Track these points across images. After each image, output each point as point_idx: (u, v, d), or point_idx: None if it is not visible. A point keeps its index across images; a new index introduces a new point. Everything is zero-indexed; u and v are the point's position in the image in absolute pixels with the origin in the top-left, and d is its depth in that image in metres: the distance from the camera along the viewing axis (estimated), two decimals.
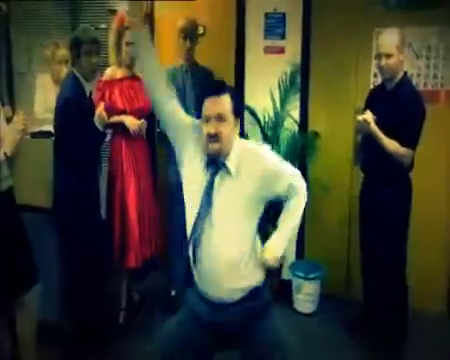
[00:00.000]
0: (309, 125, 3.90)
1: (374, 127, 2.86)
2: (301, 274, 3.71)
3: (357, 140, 3.17)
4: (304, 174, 3.84)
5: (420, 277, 3.51)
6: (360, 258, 3.32)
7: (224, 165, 2.04)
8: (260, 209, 2.12)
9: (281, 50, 3.88)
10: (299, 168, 3.79)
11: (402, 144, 2.83)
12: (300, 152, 3.78)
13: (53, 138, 3.08)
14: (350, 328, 3.43)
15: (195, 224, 2.03)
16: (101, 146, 3.25)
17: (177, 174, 3.65)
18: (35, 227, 2.97)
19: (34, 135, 3.26)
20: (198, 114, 3.58)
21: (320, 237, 3.95)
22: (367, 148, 3.05)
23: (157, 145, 4.29)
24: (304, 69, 3.84)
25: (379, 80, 3.33)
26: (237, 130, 2.09)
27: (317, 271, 3.72)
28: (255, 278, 2.12)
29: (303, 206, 2.16)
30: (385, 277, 3.04)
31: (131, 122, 3.37)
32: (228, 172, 2.04)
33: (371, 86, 3.56)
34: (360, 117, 2.91)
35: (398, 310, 3.08)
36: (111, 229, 3.39)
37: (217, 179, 2.04)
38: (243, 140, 2.18)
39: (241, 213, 2.04)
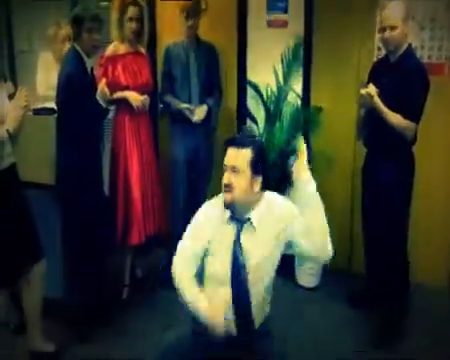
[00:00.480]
0: (312, 99, 3.87)
1: (377, 100, 2.83)
2: None
3: (360, 114, 3.15)
4: (308, 147, 3.87)
5: (422, 252, 3.52)
6: (362, 232, 3.33)
7: (249, 220, 2.09)
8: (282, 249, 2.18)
9: (284, 23, 3.84)
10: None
11: (405, 117, 2.81)
12: (303, 126, 3.76)
13: (56, 115, 3.07)
14: (352, 302, 3.46)
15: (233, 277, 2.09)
16: (103, 122, 3.26)
17: (179, 150, 3.72)
18: (39, 203, 3.00)
19: (37, 112, 3.26)
20: (201, 93, 3.62)
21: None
22: (370, 122, 3.03)
23: (160, 121, 4.29)
24: (307, 43, 3.80)
25: (383, 54, 3.29)
26: (256, 185, 2.09)
27: None
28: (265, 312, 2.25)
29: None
30: (387, 251, 3.05)
31: (134, 98, 3.36)
32: (252, 226, 2.09)
33: (375, 59, 3.52)
34: (363, 90, 2.88)
35: (400, 283, 3.10)
36: (114, 206, 3.41)
37: (243, 234, 2.10)
38: (272, 193, 2.20)
39: (268, 260, 2.11)
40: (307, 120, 3.78)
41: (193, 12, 3.57)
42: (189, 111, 3.58)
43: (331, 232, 3.86)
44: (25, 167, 2.84)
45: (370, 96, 2.84)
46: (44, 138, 3.16)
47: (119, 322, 3.30)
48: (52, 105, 3.15)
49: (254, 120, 3.95)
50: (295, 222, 2.11)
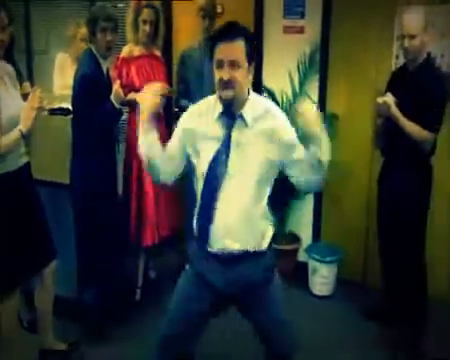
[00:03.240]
0: (328, 107, 3.84)
1: (395, 110, 2.80)
2: (317, 257, 3.68)
3: (377, 123, 3.11)
4: None
5: (439, 267, 3.45)
6: (378, 242, 3.28)
7: (241, 116, 1.98)
8: (273, 172, 2.05)
9: (301, 30, 3.82)
10: None
11: (423, 127, 2.77)
12: None
13: (71, 115, 3.08)
14: (366, 313, 3.41)
15: (211, 173, 1.97)
16: (118, 123, 3.25)
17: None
18: (53, 203, 3.02)
19: (53, 112, 3.27)
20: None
21: (338, 220, 3.92)
22: (387, 131, 2.99)
23: (174, 123, 4.27)
24: (324, 49, 3.77)
25: (401, 61, 3.25)
26: (250, 76, 2.00)
27: (334, 254, 3.70)
28: (261, 241, 2.07)
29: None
30: (403, 263, 3.01)
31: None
32: (245, 124, 1.98)
33: (393, 67, 3.48)
34: (380, 99, 2.85)
35: (417, 297, 3.05)
36: (128, 207, 3.40)
37: (234, 132, 1.98)
38: (256, 94, 2.09)
39: (257, 167, 1.98)
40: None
41: (208, 12, 3.57)
42: None
43: (345, 242, 3.86)
44: (40, 166, 2.85)
45: (387, 105, 2.81)
46: (59, 137, 3.17)
47: (131, 323, 3.30)
48: (68, 105, 3.16)
49: None
50: (292, 151, 1.99)
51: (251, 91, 2.04)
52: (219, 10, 3.89)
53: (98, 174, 2.99)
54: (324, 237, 3.99)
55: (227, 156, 1.96)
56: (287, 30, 3.86)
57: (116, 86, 2.99)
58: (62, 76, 3.89)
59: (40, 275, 2.73)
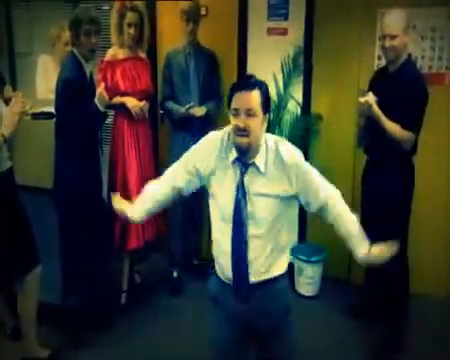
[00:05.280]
0: (312, 107, 3.87)
1: (376, 109, 2.83)
2: (303, 257, 3.71)
3: (360, 123, 3.14)
4: (306, 157, 3.87)
5: (421, 262, 3.50)
6: None
7: (254, 164, 2.04)
8: (292, 204, 2.15)
9: (284, 31, 3.83)
10: (302, 151, 3.84)
11: (404, 127, 2.80)
12: (303, 134, 3.75)
13: (54, 119, 3.06)
14: (351, 311, 3.44)
15: (236, 222, 2.05)
16: (102, 127, 3.24)
17: (178, 156, 3.71)
18: (36, 208, 3.00)
19: (35, 116, 3.25)
20: (201, 99, 3.61)
21: (322, 220, 3.92)
22: (370, 130, 3.02)
23: (160, 127, 4.28)
24: (307, 51, 3.79)
25: (383, 62, 3.28)
26: (265, 125, 2.07)
27: (319, 254, 3.72)
28: (278, 268, 2.14)
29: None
30: (386, 260, 3.03)
31: (133, 103, 3.35)
32: (258, 170, 2.04)
33: (375, 68, 3.51)
34: (362, 99, 2.87)
35: (399, 294, 3.08)
36: (112, 211, 3.39)
37: (246, 178, 2.05)
38: (272, 136, 2.16)
39: (271, 209, 2.05)
40: (307, 128, 3.77)
41: (192, 16, 3.57)
42: (190, 108, 3.58)
43: (330, 241, 3.86)
44: (23, 171, 2.84)
45: (369, 104, 2.83)
46: (42, 142, 3.15)
47: (117, 328, 3.28)
48: (51, 109, 3.14)
49: None
50: (306, 177, 2.07)
51: (267, 137, 2.11)
52: (203, 12, 3.89)
53: (82, 178, 2.97)
54: (309, 237, 4.01)
55: (245, 202, 2.03)
56: (271, 32, 3.88)
57: (100, 89, 2.98)
58: (45, 79, 3.84)
59: (23, 281, 2.70)
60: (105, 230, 3.30)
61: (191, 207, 3.76)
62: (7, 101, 2.61)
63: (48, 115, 3.20)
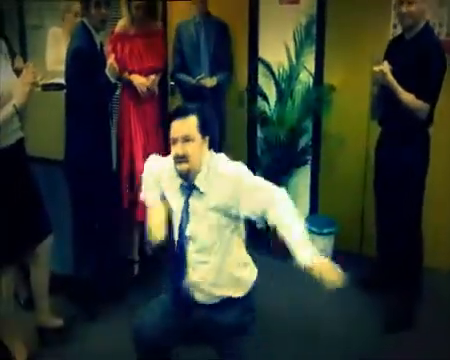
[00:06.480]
0: (325, 78, 3.80)
1: (391, 78, 2.76)
2: (314, 229, 3.68)
3: (374, 92, 3.08)
4: (319, 128, 3.84)
5: (435, 235, 3.46)
6: (375, 213, 3.28)
7: (194, 187, 2.09)
8: (237, 224, 2.14)
9: (296, 0, 3.75)
10: (314, 122, 3.83)
11: (419, 97, 2.74)
12: (315, 105, 3.71)
13: (65, 90, 3.05)
14: (363, 284, 3.41)
15: (178, 240, 2.17)
16: (112, 97, 3.21)
17: None
18: (48, 180, 3.01)
19: (46, 87, 3.23)
20: (212, 70, 3.57)
21: (335, 192, 3.91)
22: (384, 101, 2.96)
23: (170, 98, 4.27)
24: (320, 20, 3.72)
25: (398, 31, 3.20)
26: (205, 148, 2.11)
27: (331, 226, 3.70)
28: (236, 289, 2.17)
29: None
30: (400, 233, 3.01)
31: (139, 82, 3.30)
32: (199, 192, 2.09)
33: (390, 37, 3.42)
34: (376, 68, 2.81)
35: (412, 267, 3.05)
36: (121, 183, 3.39)
37: (191, 199, 2.11)
38: (215, 156, 2.17)
39: (216, 229, 2.09)
40: (319, 99, 3.72)
41: None
42: (201, 79, 3.53)
43: (342, 213, 3.85)
44: (34, 142, 2.83)
45: (383, 73, 2.77)
46: (53, 113, 3.14)
47: (129, 299, 3.30)
48: (61, 80, 3.12)
49: (265, 98, 3.89)
50: (252, 197, 2.02)
51: (211, 157, 2.14)
52: None
53: (92, 149, 2.97)
54: (321, 209, 3.99)
55: (187, 223, 2.12)
56: (283, 0, 3.80)
57: (111, 60, 2.95)
58: (55, 51, 3.82)
59: (35, 251, 2.72)
60: (116, 201, 3.31)
61: None
62: (18, 72, 2.60)
63: (59, 86, 3.18)
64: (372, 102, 3.19)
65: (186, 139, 2.03)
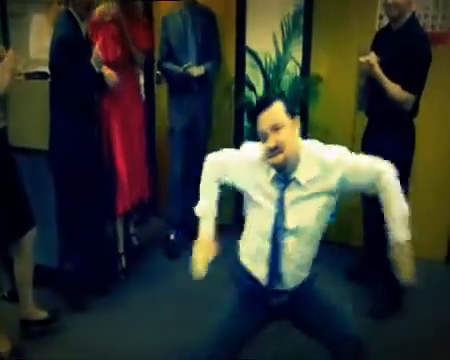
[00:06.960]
0: (312, 68, 3.80)
1: (377, 69, 2.76)
2: None
3: (360, 83, 3.07)
4: (306, 118, 3.83)
5: (420, 226, 3.47)
6: (361, 203, 3.30)
7: (294, 179, 2.00)
8: (334, 204, 2.10)
9: None
10: (301, 112, 3.81)
11: (404, 88, 2.74)
12: (302, 96, 3.70)
13: (49, 79, 2.99)
14: (350, 274, 3.44)
15: (274, 236, 2.05)
16: (98, 87, 3.15)
17: (177, 119, 3.67)
18: (32, 170, 2.96)
19: (30, 76, 3.18)
20: (199, 58, 3.54)
21: None
22: (371, 91, 2.96)
23: (156, 87, 4.23)
24: (307, 10, 3.70)
25: (385, 22, 3.20)
26: (297, 130, 2.01)
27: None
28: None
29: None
30: (385, 223, 3.02)
31: (107, 73, 3.11)
32: (299, 184, 2.00)
33: (377, 28, 3.43)
34: (363, 58, 2.81)
35: None
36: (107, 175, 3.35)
37: (287, 193, 2.01)
38: (309, 143, 2.09)
39: (314, 219, 2.03)
40: (306, 89, 3.71)
41: None
42: (188, 68, 3.49)
43: None
44: (18, 132, 2.79)
45: (370, 64, 2.77)
46: (37, 103, 3.09)
47: (116, 291, 3.29)
48: (45, 69, 3.07)
49: (253, 88, 3.87)
50: (346, 172, 2.01)
51: (304, 143, 2.05)
52: None
53: (78, 138, 2.92)
54: None
55: (283, 217, 2.01)
56: None
57: (96, 49, 2.91)
58: (38, 39, 3.76)
59: (19, 243, 2.68)
60: (101, 192, 3.26)
61: (192, 173, 3.72)
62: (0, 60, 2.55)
63: (43, 75, 3.13)
64: (359, 93, 3.19)
65: (276, 128, 1.93)
